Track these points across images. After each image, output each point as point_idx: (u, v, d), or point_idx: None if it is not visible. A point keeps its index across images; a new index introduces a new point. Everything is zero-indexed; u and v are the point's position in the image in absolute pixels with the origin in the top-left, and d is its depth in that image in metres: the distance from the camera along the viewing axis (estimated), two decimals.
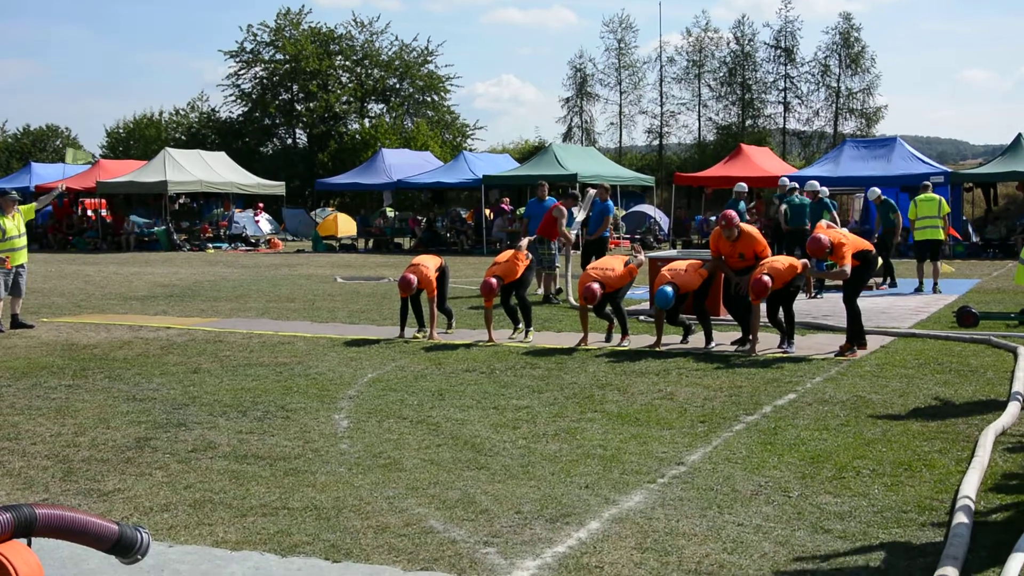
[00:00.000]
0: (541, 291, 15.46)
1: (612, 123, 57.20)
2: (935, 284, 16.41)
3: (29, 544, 3.23)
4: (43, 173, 37.65)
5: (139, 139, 57.10)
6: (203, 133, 55.37)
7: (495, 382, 8.81)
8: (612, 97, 58.86)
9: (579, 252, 17.21)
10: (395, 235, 33.77)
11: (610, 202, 16.71)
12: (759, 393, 8.22)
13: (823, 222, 10.82)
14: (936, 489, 5.53)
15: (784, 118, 51.46)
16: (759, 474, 5.85)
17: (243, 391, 8.47)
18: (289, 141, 56.42)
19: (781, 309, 10.43)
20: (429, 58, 54.96)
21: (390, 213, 35.23)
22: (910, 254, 17.93)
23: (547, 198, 16.39)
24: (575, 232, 15.89)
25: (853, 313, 10.08)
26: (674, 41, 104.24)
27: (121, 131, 59.45)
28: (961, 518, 4.74)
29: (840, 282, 10.37)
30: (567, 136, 54.25)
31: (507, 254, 11.72)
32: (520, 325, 11.53)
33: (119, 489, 5.70)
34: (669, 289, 10.40)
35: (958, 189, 28.42)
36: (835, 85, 50.02)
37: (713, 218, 26.25)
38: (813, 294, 15.39)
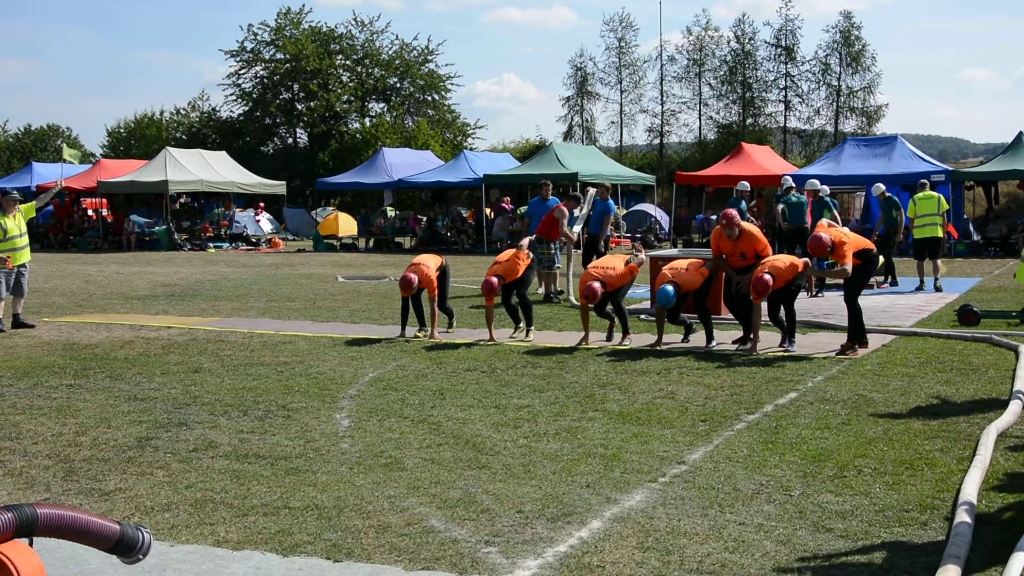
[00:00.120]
0: (542, 290, 15.47)
1: (613, 122, 57.17)
2: (936, 281, 16.40)
3: (31, 544, 3.23)
4: (44, 173, 37.72)
5: (140, 139, 57.15)
6: (204, 133, 55.39)
7: (496, 381, 8.81)
8: (613, 96, 59.05)
9: (580, 252, 17.21)
10: (396, 234, 33.76)
11: (611, 201, 16.71)
12: (760, 392, 8.22)
13: (824, 221, 10.81)
14: (938, 488, 5.53)
15: (785, 117, 51.51)
16: (760, 473, 5.85)
17: (244, 390, 8.48)
18: (290, 140, 56.46)
19: (782, 308, 10.42)
20: (430, 57, 54.99)
21: (391, 212, 35.22)
22: (910, 253, 17.91)
23: (550, 198, 16.39)
24: (577, 232, 15.88)
25: (854, 312, 10.07)
26: (675, 40, 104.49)
27: (122, 131, 59.52)
28: (963, 517, 4.73)
29: (841, 281, 10.37)
30: (568, 135, 54.25)
31: (508, 253, 11.72)
32: (521, 324, 11.53)
33: (120, 489, 5.70)
34: (670, 288, 10.40)
35: (959, 188, 28.41)
36: (836, 84, 50.02)
37: (714, 217, 26.24)
38: (814, 293, 15.39)
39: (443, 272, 11.69)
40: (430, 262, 11.59)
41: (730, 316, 11.51)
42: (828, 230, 9.98)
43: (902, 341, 10.87)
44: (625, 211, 33.41)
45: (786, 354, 10.07)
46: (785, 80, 51.03)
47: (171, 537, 4.88)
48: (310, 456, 6.35)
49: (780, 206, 16.98)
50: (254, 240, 34.56)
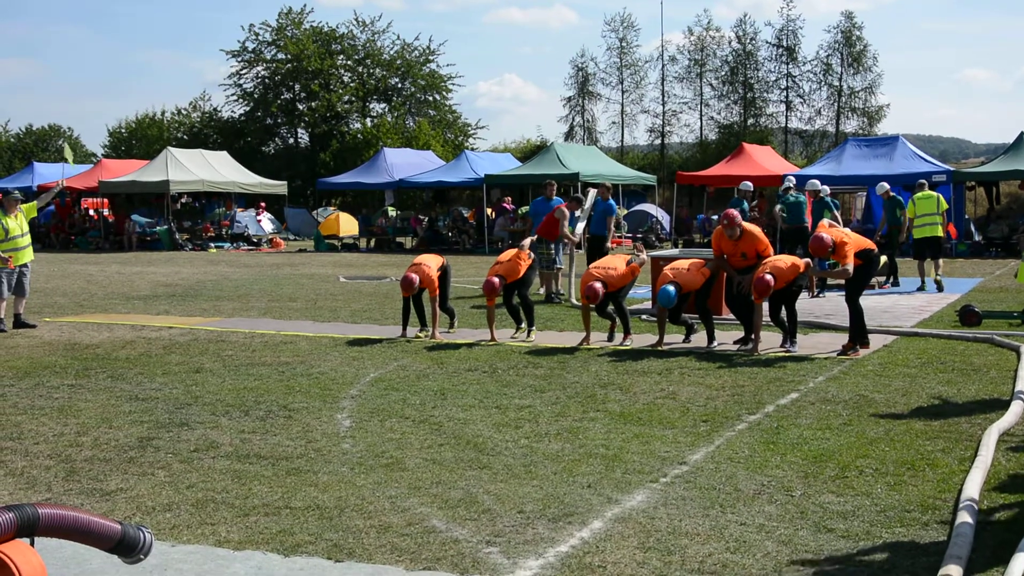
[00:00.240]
0: (543, 290, 15.46)
1: (614, 122, 57.10)
2: (936, 279, 16.39)
3: (32, 544, 3.23)
4: (46, 173, 37.79)
5: (141, 139, 57.17)
6: (205, 133, 55.43)
7: (497, 381, 8.81)
8: (614, 96, 58.89)
9: (582, 252, 17.19)
10: (397, 234, 33.76)
11: (612, 201, 16.70)
12: (761, 392, 8.21)
13: (825, 221, 10.80)
14: (939, 488, 5.52)
15: (786, 117, 51.52)
16: (762, 473, 5.85)
17: (245, 391, 8.48)
18: (291, 140, 56.49)
19: (783, 308, 10.42)
20: (431, 57, 55.04)
21: (392, 212, 35.23)
22: (911, 252, 17.91)
23: (554, 197, 16.38)
24: (579, 232, 15.87)
25: (856, 312, 10.07)
26: (676, 40, 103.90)
27: (123, 131, 59.56)
28: (964, 517, 4.73)
29: (842, 281, 10.37)
30: (569, 135, 54.25)
31: (509, 253, 11.73)
32: (522, 324, 11.53)
33: (121, 489, 5.70)
34: (671, 288, 10.40)
35: (960, 188, 28.40)
36: (837, 84, 50.01)
37: (715, 217, 26.21)
38: (815, 293, 15.39)
39: (444, 272, 11.69)
40: (431, 262, 11.59)
41: (731, 316, 11.50)
42: (829, 230, 9.97)
43: (903, 341, 10.87)
44: (626, 211, 33.41)
45: (787, 354, 10.06)
46: (786, 80, 51.08)
47: (172, 537, 4.88)
48: (311, 456, 6.35)
49: (778, 206, 16.97)
50: (255, 240, 34.56)
